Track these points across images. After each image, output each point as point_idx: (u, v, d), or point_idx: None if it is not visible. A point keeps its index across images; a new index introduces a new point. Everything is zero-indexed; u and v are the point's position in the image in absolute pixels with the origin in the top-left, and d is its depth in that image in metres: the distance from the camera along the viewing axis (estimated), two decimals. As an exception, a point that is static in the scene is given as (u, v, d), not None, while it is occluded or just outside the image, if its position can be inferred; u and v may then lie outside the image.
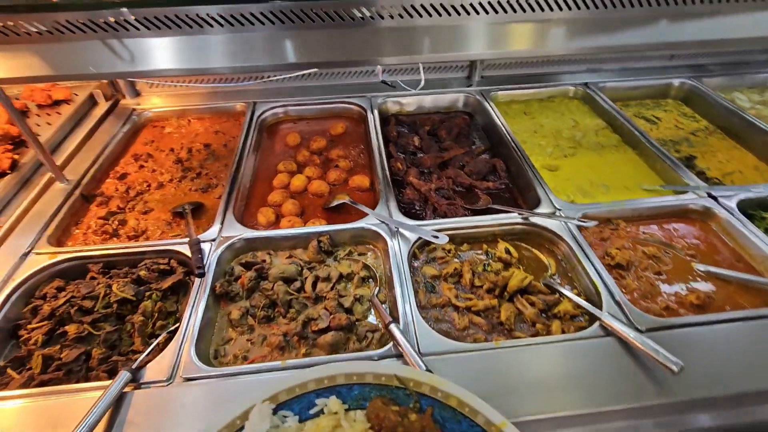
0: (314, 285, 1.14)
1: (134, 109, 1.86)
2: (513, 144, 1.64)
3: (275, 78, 1.94)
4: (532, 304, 1.10)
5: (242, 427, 0.69)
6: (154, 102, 1.90)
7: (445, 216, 1.38)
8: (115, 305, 1.08)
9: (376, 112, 1.85)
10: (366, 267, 1.20)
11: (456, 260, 1.24)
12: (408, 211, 1.42)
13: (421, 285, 1.16)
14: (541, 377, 0.92)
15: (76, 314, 1.05)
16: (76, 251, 1.21)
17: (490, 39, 1.14)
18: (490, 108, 1.86)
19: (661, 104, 2.03)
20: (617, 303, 1.06)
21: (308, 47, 1.08)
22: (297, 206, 1.43)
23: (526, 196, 1.48)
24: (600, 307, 1.05)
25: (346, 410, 0.72)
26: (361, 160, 1.68)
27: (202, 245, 1.21)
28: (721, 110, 1.85)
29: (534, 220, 1.29)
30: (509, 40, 1.14)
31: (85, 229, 1.34)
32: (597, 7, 1.11)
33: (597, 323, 1.01)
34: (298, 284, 1.15)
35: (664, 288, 1.15)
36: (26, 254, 1.20)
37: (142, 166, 1.61)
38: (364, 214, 1.35)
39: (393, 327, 0.97)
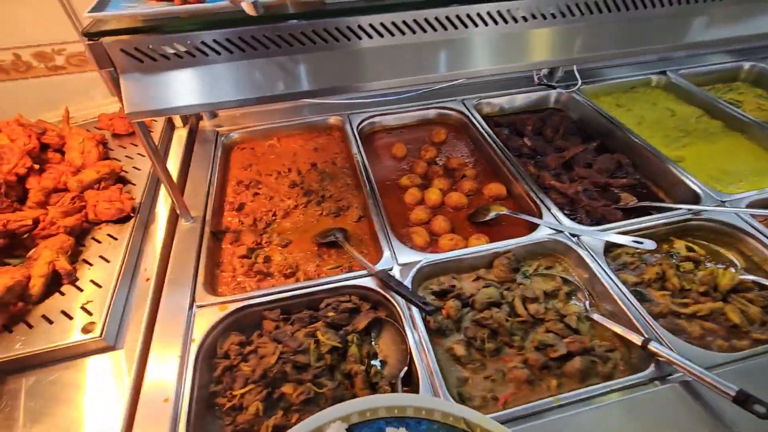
0: (525, 306, 1.06)
1: (218, 132, 1.68)
2: (629, 136, 1.62)
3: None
4: (751, 302, 1.07)
5: None
6: (234, 122, 1.74)
7: (603, 219, 1.33)
8: (327, 357, 0.95)
9: (477, 114, 1.77)
10: (565, 281, 1.13)
11: (644, 265, 1.19)
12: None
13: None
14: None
15: (293, 372, 0.91)
16: (244, 298, 1.06)
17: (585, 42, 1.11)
18: (586, 102, 1.83)
19: (733, 87, 2.07)
20: (838, 291, 1.05)
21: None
22: (448, 222, 1.33)
23: (669, 190, 1.46)
24: (824, 298, 1.04)
25: None
26: (480, 166, 1.61)
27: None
28: (799, 90, 1.92)
29: (707, 215, 1.27)
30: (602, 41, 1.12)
31: (232, 271, 1.19)
32: (688, 3, 1.10)
33: (835, 315, 1.00)
34: (506, 308, 1.06)
35: None
36: (190, 308, 1.04)
37: (256, 194, 1.45)
38: (524, 225, 1.27)
39: (656, 346, 0.90)
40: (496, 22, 0.98)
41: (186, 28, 0.86)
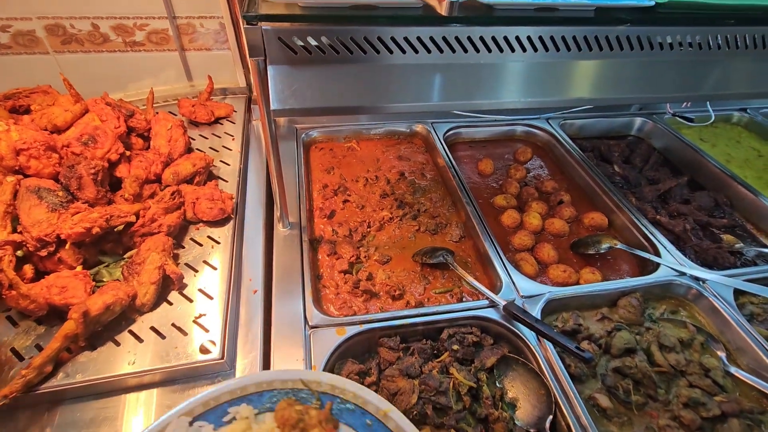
0: (663, 355, 0.98)
1: (296, 129, 1.58)
2: (724, 173, 1.56)
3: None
4: None
5: None
6: (313, 120, 1.63)
7: (715, 262, 1.27)
8: (466, 399, 0.85)
9: (565, 135, 1.70)
10: (699, 330, 1.06)
11: (771, 316, 1.13)
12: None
13: (767, 350, 1.04)
14: None
15: (435, 414, 0.82)
16: (362, 322, 0.96)
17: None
18: (672, 133, 1.77)
19: (809, 131, 2.04)
20: None
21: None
22: (556, 252, 1.25)
23: (772, 234, 1.41)
24: None
25: (257, 414, 0.77)
26: (574, 191, 1.53)
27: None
28: None
29: (830, 267, 1.21)
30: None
31: (335, 287, 1.09)
32: None
33: None
34: (642, 355, 0.98)
35: None
36: (304, 328, 0.94)
37: (346, 201, 1.35)
38: (630, 262, 1.20)
39: (828, 415, 0.84)
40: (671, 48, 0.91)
41: (377, 21, 0.77)
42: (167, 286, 0.90)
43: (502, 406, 0.90)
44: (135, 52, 1.48)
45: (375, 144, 1.64)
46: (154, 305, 0.87)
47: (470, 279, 1.10)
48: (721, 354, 1.02)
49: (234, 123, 1.44)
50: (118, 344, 0.81)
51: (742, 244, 1.35)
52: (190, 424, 0.75)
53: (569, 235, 1.36)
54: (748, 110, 1.98)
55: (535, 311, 1.02)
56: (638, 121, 1.87)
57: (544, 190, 1.51)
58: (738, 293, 1.14)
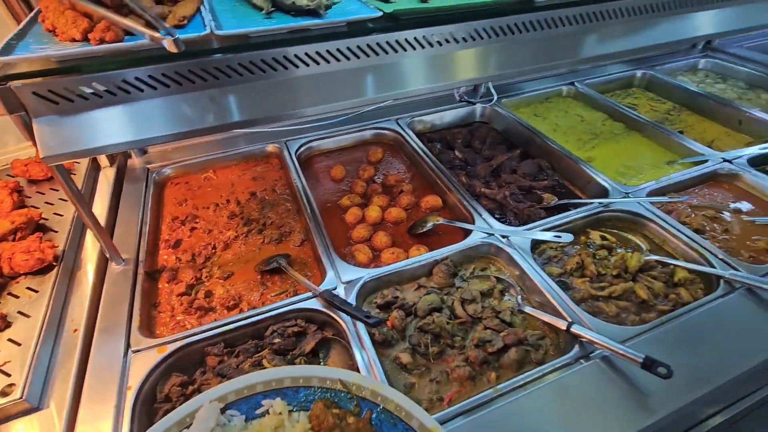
0: (464, 308, 1.12)
1: (148, 169, 1.64)
2: (547, 143, 1.78)
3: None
4: (655, 278, 1.21)
5: (191, 424, 0.72)
6: (166, 158, 1.70)
7: (529, 219, 1.45)
8: (274, 383, 0.94)
9: (411, 132, 1.87)
10: (499, 280, 1.21)
11: (566, 256, 1.31)
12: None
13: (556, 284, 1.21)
14: (713, 340, 1.02)
15: (240, 405, 0.90)
16: (184, 337, 1.03)
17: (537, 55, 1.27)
18: (508, 114, 1.99)
19: (630, 93, 2.36)
20: (722, 260, 1.21)
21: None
22: (389, 237, 1.39)
23: (583, 187, 1.62)
24: (712, 266, 1.20)
25: (291, 411, 0.76)
26: (417, 181, 1.69)
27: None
28: (681, 92, 2.21)
29: (615, 206, 1.42)
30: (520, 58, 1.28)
31: (171, 311, 1.15)
32: (591, 21, 1.29)
33: (721, 281, 1.15)
34: (447, 312, 1.12)
35: (736, 242, 1.34)
36: (125, 354, 0.99)
37: (193, 229, 1.42)
38: (459, 233, 1.36)
39: (577, 327, 1.00)
40: (413, 48, 1.07)
41: (107, 68, 0.86)
42: (-26, 342, 0.93)
43: (320, 383, 0.99)
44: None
45: (232, 170, 1.73)
46: (-43, 362, 0.89)
47: (297, 276, 1.20)
48: (517, 296, 1.18)
49: (75, 174, 1.48)
50: None
51: (556, 199, 1.55)
52: (222, 411, 0.74)
53: (408, 221, 1.50)
54: (575, 83, 2.26)
55: (352, 294, 1.13)
56: (479, 108, 2.08)
57: (389, 184, 1.66)
58: (537, 242, 1.32)
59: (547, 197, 1.58)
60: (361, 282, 1.16)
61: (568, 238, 1.23)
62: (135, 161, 1.67)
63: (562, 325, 1.02)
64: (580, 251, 1.31)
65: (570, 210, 1.45)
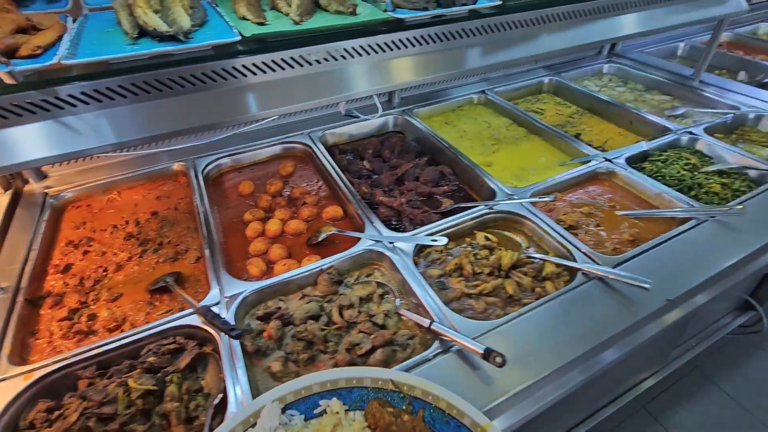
0: (341, 314, 1.18)
1: (46, 194, 1.62)
2: (451, 150, 1.88)
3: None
4: (525, 274, 1.30)
5: (254, 424, 0.77)
6: (68, 181, 1.68)
7: (422, 224, 1.53)
8: (139, 402, 0.96)
9: (320, 145, 1.92)
10: (380, 284, 1.28)
11: (450, 257, 1.39)
12: (388, 228, 1.53)
13: (434, 286, 1.28)
14: (556, 329, 1.11)
15: (98, 426, 0.91)
16: (54, 362, 1.03)
17: (411, 70, 1.36)
18: (418, 124, 2.08)
19: (540, 98, 2.51)
20: (584, 254, 1.32)
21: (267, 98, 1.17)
22: (284, 249, 1.43)
23: (479, 191, 1.72)
24: (575, 260, 1.30)
25: (347, 411, 0.80)
26: (323, 192, 1.74)
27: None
28: (583, 96, 2.38)
29: (498, 207, 1.52)
30: (424, 69, 1.38)
31: (49, 337, 1.15)
32: (487, 32, 1.42)
33: (579, 273, 1.26)
34: (325, 319, 1.17)
35: (606, 235, 1.47)
36: (-13, 385, 0.99)
37: (86, 252, 1.42)
38: (353, 241, 1.41)
39: (436, 325, 1.07)
40: (282, 68, 1.13)
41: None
42: None
43: (190, 399, 1.02)
44: None
45: (137, 190, 1.73)
46: None
47: (181, 293, 1.22)
48: (396, 299, 1.24)
49: (-39, 204, 1.45)
50: None
51: (452, 203, 1.64)
52: (282, 411, 0.78)
53: (308, 232, 1.55)
54: (486, 91, 2.38)
55: (232, 307, 1.16)
56: (391, 118, 2.17)
57: (294, 196, 1.70)
58: (423, 246, 1.40)
59: (445, 202, 1.67)
60: (242, 296, 1.20)
61: (443, 241, 1.31)
62: (33, 186, 1.65)
63: (426, 323, 1.09)
64: (462, 252, 1.40)
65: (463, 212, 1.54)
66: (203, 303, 1.17)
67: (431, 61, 1.35)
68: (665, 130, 1.98)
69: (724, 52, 2.89)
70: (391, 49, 1.30)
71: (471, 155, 1.93)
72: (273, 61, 1.12)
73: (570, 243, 1.36)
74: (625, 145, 2.01)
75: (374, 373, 0.82)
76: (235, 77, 1.12)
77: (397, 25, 1.29)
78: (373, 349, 1.08)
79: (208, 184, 1.75)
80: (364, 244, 1.38)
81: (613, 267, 1.26)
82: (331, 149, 1.99)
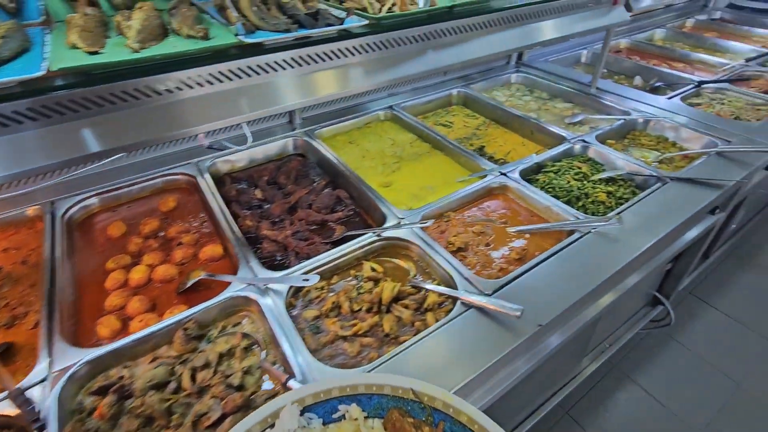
0: (193, 377, 1.04)
1: None
2: (349, 172, 1.79)
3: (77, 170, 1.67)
4: (407, 307, 1.23)
5: (273, 425, 0.77)
6: None
7: (308, 257, 1.42)
8: None
9: (207, 176, 1.78)
10: (245, 336, 1.15)
11: (331, 294, 1.29)
12: (272, 265, 1.42)
13: (306, 330, 1.17)
14: (432, 364, 1.04)
15: None
16: None
17: (302, 89, 1.29)
18: (318, 145, 1.99)
19: (450, 111, 2.50)
20: (467, 279, 1.27)
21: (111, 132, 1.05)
22: (145, 302, 1.27)
23: (373, 216, 1.64)
24: (456, 288, 1.24)
25: (365, 418, 0.79)
26: (206, 229, 1.59)
27: (32, 391, 0.97)
28: (489, 107, 2.39)
29: (386, 234, 1.45)
30: (319, 87, 1.32)
31: None
32: (380, 48, 1.38)
33: (458, 302, 1.20)
34: (174, 385, 1.03)
35: (494, 254, 1.43)
36: None
37: None
38: (227, 284, 1.28)
39: (291, 382, 0.96)
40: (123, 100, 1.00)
41: None
42: None
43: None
44: None
45: (-18, 242, 1.50)
46: None
47: (3, 373, 1.03)
48: (262, 351, 1.12)
49: None
50: None
51: (345, 230, 1.55)
52: (301, 414, 0.77)
53: (180, 277, 1.40)
54: (393, 107, 2.33)
55: (59, 384, 1.00)
56: (291, 141, 2.06)
57: (169, 236, 1.54)
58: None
59: (337, 230, 1.57)
60: (73, 368, 1.03)
61: (314, 280, 1.21)
62: None
63: (283, 379, 0.98)
64: (344, 288, 1.30)
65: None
66: (24, 382, 0.99)
67: (291, 85, 1.26)
68: (561, 139, 2.01)
69: (623, 57, 3.04)
70: (249, 75, 1.20)
71: (371, 176, 1.87)
72: (100, 96, 1.00)
73: (454, 268, 1.31)
74: (524, 155, 2.03)
75: (394, 380, 0.81)
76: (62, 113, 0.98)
77: (256, 49, 1.20)
78: (222, 418, 0.95)
79: (71, 229, 1.55)
80: (235, 288, 1.26)
81: (493, 292, 1.21)
82: (223, 179, 1.85)
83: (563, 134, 2.03)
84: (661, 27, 3.58)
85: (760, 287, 2.95)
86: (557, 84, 2.59)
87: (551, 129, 2.08)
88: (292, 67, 1.24)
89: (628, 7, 2.29)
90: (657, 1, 3.20)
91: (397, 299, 1.26)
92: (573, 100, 2.51)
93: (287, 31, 1.27)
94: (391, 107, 2.33)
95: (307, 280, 1.21)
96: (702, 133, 2.04)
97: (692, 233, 1.84)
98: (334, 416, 0.79)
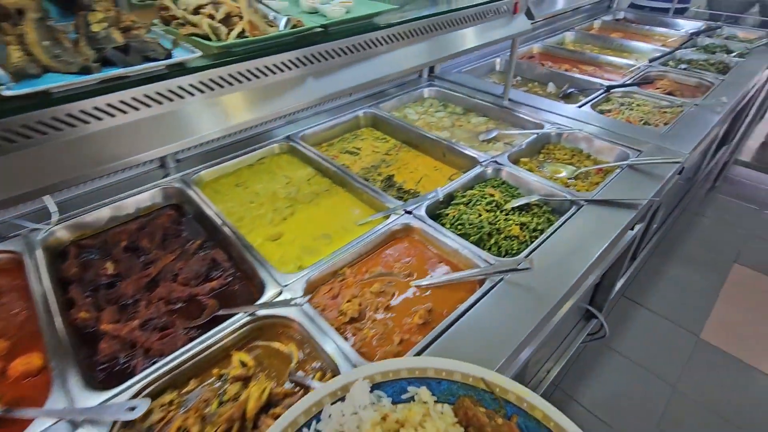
0: None
1: None
2: (227, 227, 1.49)
3: None
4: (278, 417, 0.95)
5: (343, 398, 0.77)
6: None
7: (162, 354, 1.10)
8: None
9: (40, 251, 1.39)
10: None
11: (182, 411, 0.98)
12: (111, 373, 1.08)
13: (135, 481, 0.86)
14: None
15: None
16: None
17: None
18: (193, 194, 1.66)
19: (358, 134, 2.26)
20: (354, 365, 1.02)
21: None
22: None
23: (255, 282, 1.35)
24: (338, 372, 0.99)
25: (435, 402, 0.76)
26: (27, 329, 1.22)
27: None
28: (399, 128, 2.18)
29: (261, 312, 1.16)
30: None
31: None
32: (229, 84, 1.12)
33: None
34: None
35: (393, 323, 1.19)
36: None
37: None
38: (29, 422, 0.93)
39: None
40: None
41: None
42: None
43: None
44: None
45: None
46: None
47: None
48: None
49: None
50: None
51: (217, 308, 1.24)
52: (371, 391, 0.78)
53: (-24, 409, 1.02)
54: (291, 137, 2.05)
55: None
56: (159, 191, 1.70)
57: (-30, 348, 1.16)
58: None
59: (210, 306, 1.26)
60: None
61: (143, 406, 0.90)
62: None
63: None
64: (200, 397, 1.00)
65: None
66: None
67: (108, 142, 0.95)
68: (474, 162, 1.84)
69: (536, 63, 2.98)
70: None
71: (258, 227, 1.57)
72: None
73: (340, 352, 1.05)
74: (441, 182, 1.83)
75: (465, 368, 0.79)
76: None
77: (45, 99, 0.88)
78: None
79: None
80: (43, 425, 0.91)
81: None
82: (66, 250, 1.47)
83: (475, 155, 1.85)
84: (571, 30, 3.61)
85: (683, 280, 3.00)
86: (471, 98, 2.44)
87: (464, 151, 1.90)
88: (106, 117, 0.94)
89: (530, 15, 2.19)
90: (565, 5, 3.19)
91: (269, 404, 0.98)
92: (488, 114, 2.37)
93: (86, 71, 0.96)
94: (288, 137, 2.04)
95: (134, 408, 0.89)
96: (614, 144, 1.96)
97: (614, 253, 1.74)
98: (403, 397, 0.78)
